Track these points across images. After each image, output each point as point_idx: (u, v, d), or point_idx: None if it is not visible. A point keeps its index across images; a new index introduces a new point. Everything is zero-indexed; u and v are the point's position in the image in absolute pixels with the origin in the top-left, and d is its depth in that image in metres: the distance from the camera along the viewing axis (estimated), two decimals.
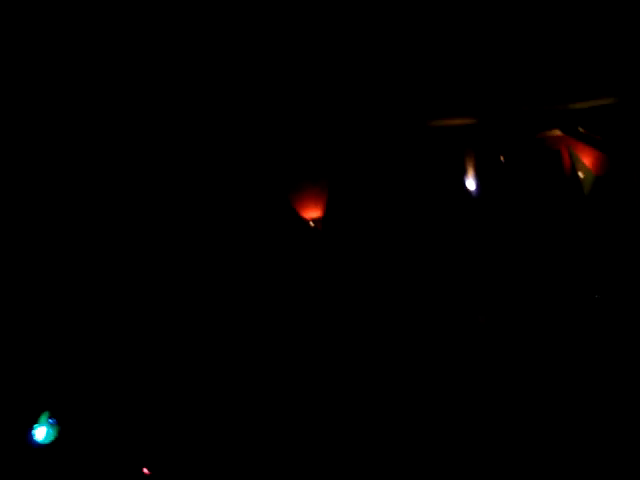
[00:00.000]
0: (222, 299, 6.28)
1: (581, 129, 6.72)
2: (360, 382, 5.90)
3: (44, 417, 4.24)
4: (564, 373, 5.72)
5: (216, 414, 5.31)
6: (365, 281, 6.67)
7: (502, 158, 6.78)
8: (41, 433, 4.20)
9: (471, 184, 6.76)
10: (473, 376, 6.03)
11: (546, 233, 6.77)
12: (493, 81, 6.57)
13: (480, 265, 6.68)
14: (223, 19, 5.88)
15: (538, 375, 5.82)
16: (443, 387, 5.86)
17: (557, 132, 6.89)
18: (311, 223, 6.76)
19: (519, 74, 6.50)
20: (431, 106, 6.70)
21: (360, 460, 5.11)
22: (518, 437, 5.19)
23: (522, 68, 6.47)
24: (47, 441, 4.28)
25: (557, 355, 5.88)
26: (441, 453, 5.12)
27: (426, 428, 5.34)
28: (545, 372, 5.85)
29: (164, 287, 6.08)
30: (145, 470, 4.38)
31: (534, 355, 6.04)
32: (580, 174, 6.82)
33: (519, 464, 5.00)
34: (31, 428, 4.26)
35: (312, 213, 6.77)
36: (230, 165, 6.56)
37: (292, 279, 6.64)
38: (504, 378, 5.91)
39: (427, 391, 5.76)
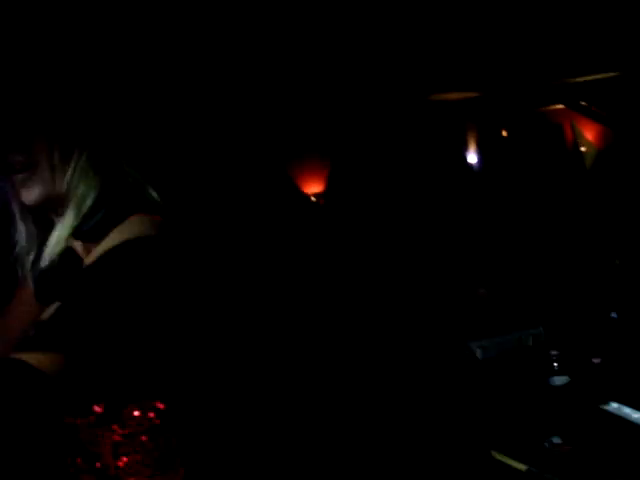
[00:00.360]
0: (222, 279, 6.30)
1: (583, 103, 6.69)
2: (360, 376, 5.94)
3: None
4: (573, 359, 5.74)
5: (216, 414, 5.34)
6: (365, 258, 6.69)
7: (504, 132, 6.76)
8: None
9: (473, 158, 6.76)
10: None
11: (548, 208, 6.77)
12: (495, 54, 6.53)
13: (481, 241, 6.69)
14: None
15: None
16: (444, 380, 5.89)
17: (559, 106, 6.86)
18: (312, 198, 6.78)
19: (521, 47, 6.46)
20: (432, 80, 6.67)
21: (360, 460, 5.16)
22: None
23: (524, 41, 6.42)
24: None
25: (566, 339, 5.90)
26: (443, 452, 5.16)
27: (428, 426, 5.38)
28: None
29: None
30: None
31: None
32: (582, 148, 6.81)
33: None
34: None
35: (314, 188, 6.79)
36: (231, 141, 6.56)
37: (292, 256, 6.66)
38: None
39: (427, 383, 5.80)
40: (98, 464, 1.33)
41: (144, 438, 1.33)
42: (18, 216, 1.47)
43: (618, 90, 6.59)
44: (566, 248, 6.69)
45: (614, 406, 3.65)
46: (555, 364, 4.34)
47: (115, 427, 1.32)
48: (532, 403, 4.06)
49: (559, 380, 4.17)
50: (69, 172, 1.38)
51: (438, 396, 5.27)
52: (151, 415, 1.34)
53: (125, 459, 1.32)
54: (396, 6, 6.30)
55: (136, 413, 1.32)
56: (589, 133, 6.77)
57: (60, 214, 1.41)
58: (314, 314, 6.17)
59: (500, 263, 6.70)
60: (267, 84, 6.51)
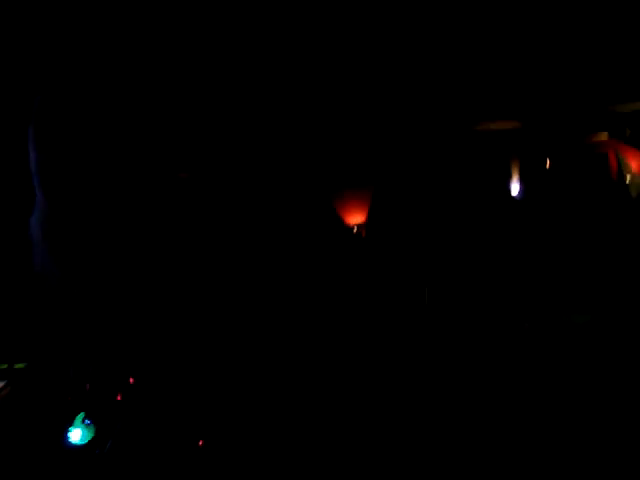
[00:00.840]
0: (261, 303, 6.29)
1: (628, 132, 6.64)
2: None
3: (79, 419, 4.28)
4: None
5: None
6: (406, 288, 6.65)
7: (548, 162, 6.72)
8: (77, 435, 4.24)
9: (516, 189, 6.71)
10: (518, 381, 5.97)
11: (593, 238, 6.70)
12: (539, 84, 6.51)
13: (524, 271, 6.62)
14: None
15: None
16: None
17: (604, 135, 6.81)
18: (355, 229, 6.76)
19: (565, 77, 6.44)
20: (476, 110, 6.66)
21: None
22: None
23: (568, 71, 6.41)
24: (83, 442, 4.31)
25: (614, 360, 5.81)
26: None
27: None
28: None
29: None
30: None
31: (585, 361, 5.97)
32: (627, 178, 6.74)
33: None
34: (66, 430, 4.29)
35: (356, 219, 6.77)
36: (275, 169, 6.58)
37: (334, 283, 6.63)
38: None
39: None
40: None
41: None
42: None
43: None
44: (612, 279, 6.61)
45: None
46: None
47: None
48: None
49: None
50: None
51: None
52: None
53: None
54: (442, 36, 6.33)
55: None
56: (634, 163, 6.70)
57: None
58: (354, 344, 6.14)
59: (544, 293, 6.63)
60: (313, 116, 6.53)
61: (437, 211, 6.80)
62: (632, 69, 6.33)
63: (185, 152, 6.21)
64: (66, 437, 4.20)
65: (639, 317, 6.26)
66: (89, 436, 4.26)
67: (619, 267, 6.60)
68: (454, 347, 6.26)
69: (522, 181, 6.70)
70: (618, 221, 6.74)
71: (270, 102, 6.46)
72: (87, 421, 4.21)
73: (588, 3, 6.09)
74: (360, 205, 6.77)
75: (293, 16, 5.88)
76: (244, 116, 6.44)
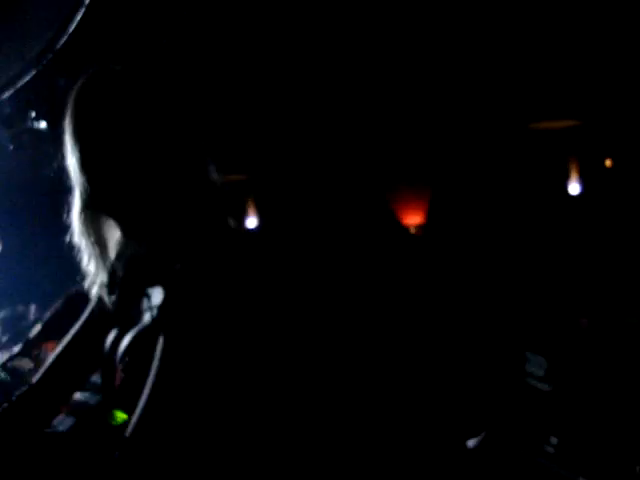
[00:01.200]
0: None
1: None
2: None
3: None
4: None
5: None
6: (465, 289, 6.72)
7: (608, 162, 6.55)
8: None
9: (575, 188, 6.61)
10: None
11: None
12: (598, 82, 6.31)
13: (584, 273, 6.56)
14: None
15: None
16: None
17: None
18: (413, 229, 6.86)
19: (624, 74, 6.21)
20: (534, 108, 6.54)
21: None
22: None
23: (628, 69, 6.17)
24: None
25: None
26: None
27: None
28: None
29: None
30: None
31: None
32: None
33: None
34: None
35: (414, 219, 6.86)
36: (336, 170, 6.72)
37: (393, 285, 6.78)
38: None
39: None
40: None
41: None
42: None
43: None
44: None
45: None
46: None
47: None
48: None
49: None
50: None
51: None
52: None
53: None
54: (498, 34, 6.21)
55: None
56: None
57: None
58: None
59: (602, 294, 6.56)
60: (371, 118, 6.60)
61: (498, 209, 6.79)
62: None
63: (240, 153, 6.44)
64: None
65: None
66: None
67: None
68: (516, 339, 6.33)
69: (581, 180, 6.59)
70: None
71: (329, 103, 6.55)
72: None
73: None
74: (418, 205, 6.85)
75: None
76: (299, 117, 6.56)
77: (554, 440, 4.94)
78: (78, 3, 2.10)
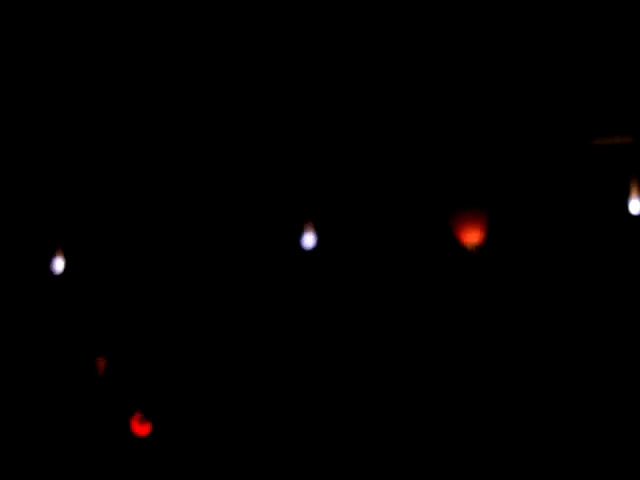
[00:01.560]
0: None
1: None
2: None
3: None
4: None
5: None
6: (520, 307, 6.53)
7: None
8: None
9: (636, 207, 6.34)
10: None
11: None
12: None
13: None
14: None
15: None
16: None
17: None
18: (471, 249, 6.79)
19: None
20: (593, 123, 6.45)
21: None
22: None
23: None
24: None
25: None
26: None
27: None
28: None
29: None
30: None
31: None
32: None
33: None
34: None
35: (472, 238, 6.79)
36: (389, 184, 6.86)
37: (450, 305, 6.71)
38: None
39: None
40: None
41: None
42: None
43: None
44: None
45: None
46: None
47: None
48: None
49: None
50: None
51: None
52: None
53: None
54: (557, 50, 6.29)
55: None
56: None
57: None
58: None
59: None
60: (425, 135, 6.76)
61: (557, 229, 6.63)
62: None
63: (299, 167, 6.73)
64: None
65: None
66: None
67: None
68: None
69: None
70: None
71: (386, 117, 6.74)
72: None
73: None
74: (477, 224, 6.79)
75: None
76: (356, 128, 6.79)
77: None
78: None
